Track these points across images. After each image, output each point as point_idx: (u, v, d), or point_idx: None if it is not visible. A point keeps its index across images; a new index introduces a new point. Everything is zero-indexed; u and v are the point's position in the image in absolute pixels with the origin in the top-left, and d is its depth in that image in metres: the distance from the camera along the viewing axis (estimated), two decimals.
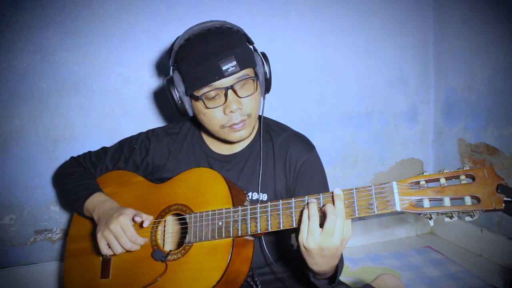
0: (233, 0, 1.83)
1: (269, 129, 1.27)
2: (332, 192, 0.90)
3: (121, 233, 1.06)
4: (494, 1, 1.82)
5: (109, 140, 1.70)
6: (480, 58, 1.92)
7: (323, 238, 0.87)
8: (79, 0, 1.66)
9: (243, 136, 1.14)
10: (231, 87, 1.06)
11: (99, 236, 1.09)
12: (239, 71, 1.05)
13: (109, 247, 1.09)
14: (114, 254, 1.10)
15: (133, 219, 1.09)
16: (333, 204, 0.88)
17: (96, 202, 1.18)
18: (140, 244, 1.10)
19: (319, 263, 0.92)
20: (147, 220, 1.11)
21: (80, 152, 1.43)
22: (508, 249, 1.83)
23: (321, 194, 0.93)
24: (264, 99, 1.19)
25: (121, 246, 1.07)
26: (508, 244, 1.83)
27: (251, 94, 1.10)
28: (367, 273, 1.80)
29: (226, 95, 1.06)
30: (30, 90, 1.65)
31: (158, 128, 1.34)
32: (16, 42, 1.61)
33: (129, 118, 1.77)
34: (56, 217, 1.75)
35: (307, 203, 0.91)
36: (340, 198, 0.89)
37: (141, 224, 1.11)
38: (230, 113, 1.08)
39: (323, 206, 0.90)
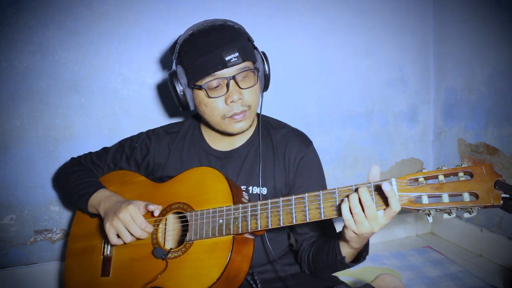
0: (233, 0, 1.83)
1: (267, 125, 1.30)
2: (371, 183, 0.90)
3: (131, 221, 1.07)
4: (494, 1, 1.82)
5: (109, 140, 1.70)
6: (480, 58, 1.92)
7: (372, 223, 0.89)
8: (79, 0, 1.65)
9: (242, 128, 1.16)
10: (233, 77, 1.09)
11: (107, 226, 1.09)
12: (241, 63, 1.09)
13: (119, 237, 1.09)
14: (124, 243, 1.10)
15: (146, 207, 1.11)
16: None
17: (102, 197, 1.19)
18: (149, 232, 1.11)
19: (365, 238, 0.97)
20: (157, 209, 1.13)
21: (80, 152, 1.44)
22: (508, 249, 1.83)
23: (321, 192, 0.95)
24: (262, 96, 1.22)
25: (131, 234, 1.08)
26: (508, 244, 1.83)
27: (252, 86, 1.13)
28: (367, 273, 1.80)
29: (228, 85, 1.09)
30: (30, 90, 1.65)
31: (158, 127, 1.36)
32: (16, 42, 1.61)
33: (129, 118, 1.77)
34: (56, 217, 1.75)
35: (359, 191, 0.88)
36: (393, 194, 0.87)
37: (152, 213, 1.12)
38: (231, 103, 1.11)
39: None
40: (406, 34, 2.13)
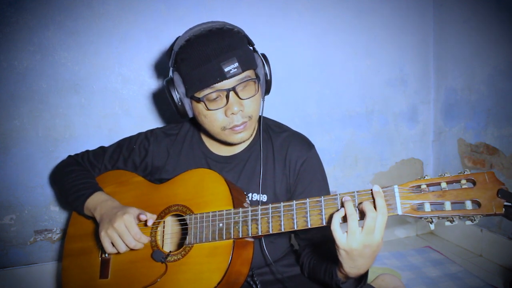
0: (233, 0, 1.83)
1: (268, 129, 1.27)
2: (371, 190, 0.88)
3: (126, 232, 1.06)
4: (494, 1, 1.82)
5: (109, 140, 1.69)
6: (480, 58, 1.91)
7: (364, 236, 0.84)
8: (79, 0, 1.65)
9: (243, 138, 1.13)
10: (233, 89, 1.05)
11: (102, 234, 1.08)
12: (241, 73, 1.05)
13: (113, 245, 1.08)
14: (118, 253, 1.09)
15: (138, 217, 1.09)
16: (373, 201, 0.87)
17: (98, 201, 1.17)
18: (144, 243, 1.09)
19: (358, 265, 0.90)
20: (151, 219, 1.10)
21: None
22: (508, 249, 1.83)
23: (322, 197, 0.93)
24: (263, 100, 1.19)
25: (125, 244, 1.07)
26: (508, 244, 1.83)
27: (253, 96, 1.09)
28: None
29: (227, 97, 1.06)
30: (30, 90, 1.64)
31: (157, 128, 1.33)
32: (16, 42, 1.61)
33: (129, 118, 1.77)
34: (56, 217, 1.75)
35: (343, 202, 0.89)
36: (380, 195, 0.86)
37: (145, 223, 1.10)
38: (231, 115, 1.08)
39: (359, 204, 0.88)
40: (406, 34, 2.13)
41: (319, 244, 1.21)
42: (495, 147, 1.88)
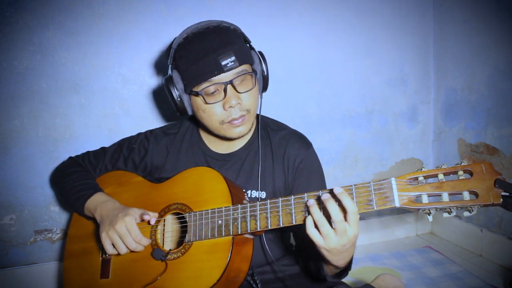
0: (233, 0, 1.83)
1: (266, 127, 1.28)
2: (332, 189, 0.88)
3: (126, 233, 1.07)
4: (494, 1, 1.82)
5: (109, 140, 1.69)
6: (480, 58, 1.92)
7: (339, 238, 0.86)
8: (79, 0, 1.66)
9: (242, 132, 1.14)
10: (230, 82, 1.07)
11: (103, 235, 1.09)
12: (238, 66, 1.07)
13: (114, 247, 1.09)
14: (119, 254, 1.10)
15: (141, 217, 1.10)
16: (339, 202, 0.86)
17: (98, 202, 1.18)
18: (144, 245, 1.10)
19: (344, 257, 0.93)
20: (153, 218, 1.11)
21: (80, 152, 1.43)
22: (508, 249, 1.83)
23: (320, 192, 0.93)
24: (261, 97, 1.20)
25: (126, 246, 1.08)
26: (508, 244, 1.83)
27: (250, 90, 1.11)
28: (367, 273, 1.80)
29: (225, 90, 1.07)
30: (30, 90, 1.65)
31: (157, 128, 1.35)
32: (16, 42, 1.61)
33: (129, 118, 1.78)
34: (56, 217, 1.75)
35: (308, 206, 0.88)
36: (344, 195, 0.85)
37: (148, 222, 1.11)
38: (229, 108, 1.09)
39: (324, 209, 0.87)
40: (406, 34, 2.13)
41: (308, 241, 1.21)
42: (495, 147, 1.88)
